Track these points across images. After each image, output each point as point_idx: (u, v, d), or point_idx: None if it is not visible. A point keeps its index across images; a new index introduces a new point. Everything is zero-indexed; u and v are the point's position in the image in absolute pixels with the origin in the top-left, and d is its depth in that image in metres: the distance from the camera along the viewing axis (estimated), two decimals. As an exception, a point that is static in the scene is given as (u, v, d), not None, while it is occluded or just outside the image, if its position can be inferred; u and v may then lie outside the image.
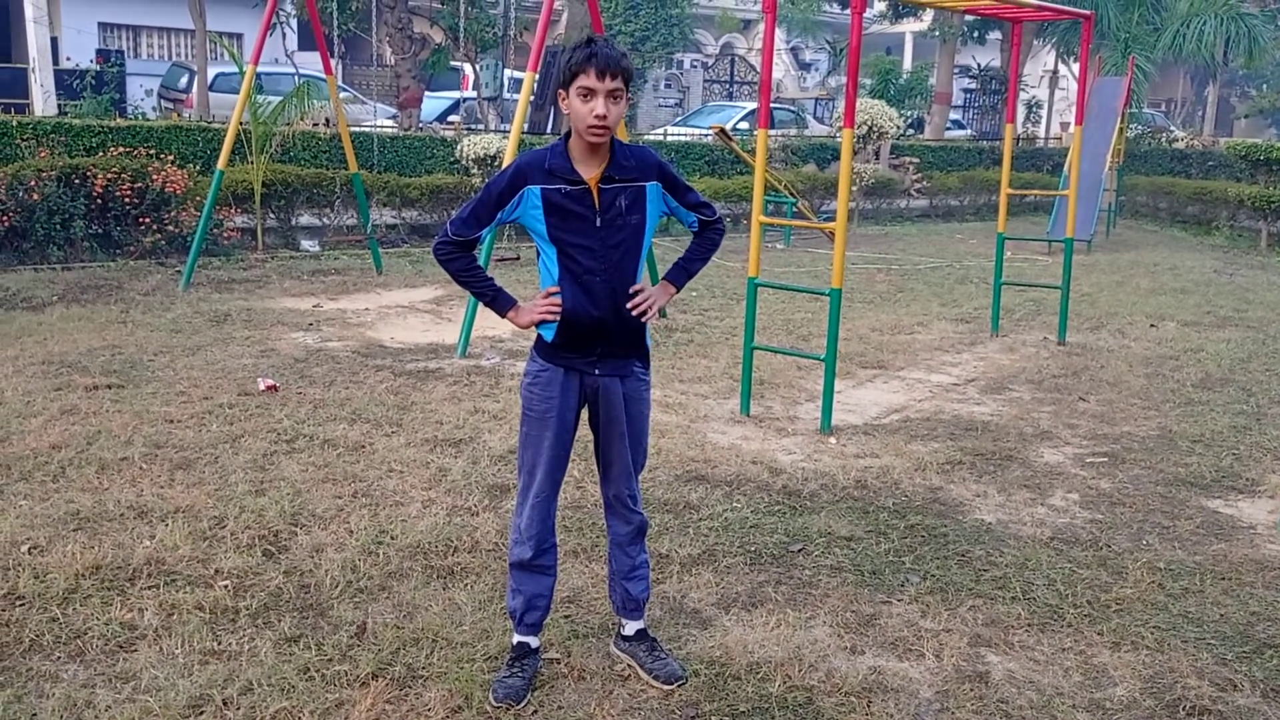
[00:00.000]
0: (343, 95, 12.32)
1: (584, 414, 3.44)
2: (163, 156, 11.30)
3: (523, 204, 3.25)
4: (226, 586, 3.97)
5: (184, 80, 21.30)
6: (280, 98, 11.96)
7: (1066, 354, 8.59)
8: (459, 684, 3.38)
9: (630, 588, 3.55)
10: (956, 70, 26.94)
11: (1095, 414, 6.86)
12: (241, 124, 10.37)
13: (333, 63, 10.99)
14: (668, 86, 29.70)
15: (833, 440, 6.09)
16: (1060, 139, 25.51)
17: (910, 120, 24.33)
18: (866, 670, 3.59)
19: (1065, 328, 9.04)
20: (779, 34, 33.58)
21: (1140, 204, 19.97)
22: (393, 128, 16.45)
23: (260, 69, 10.48)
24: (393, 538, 4.45)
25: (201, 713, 3.21)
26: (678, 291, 3.55)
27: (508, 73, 22.43)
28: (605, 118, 3.11)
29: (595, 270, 3.23)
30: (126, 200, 10.67)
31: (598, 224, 3.22)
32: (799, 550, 4.54)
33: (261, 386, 6.54)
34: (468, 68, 21.01)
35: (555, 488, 3.43)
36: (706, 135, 17.93)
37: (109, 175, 10.52)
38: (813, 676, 3.54)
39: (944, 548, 4.64)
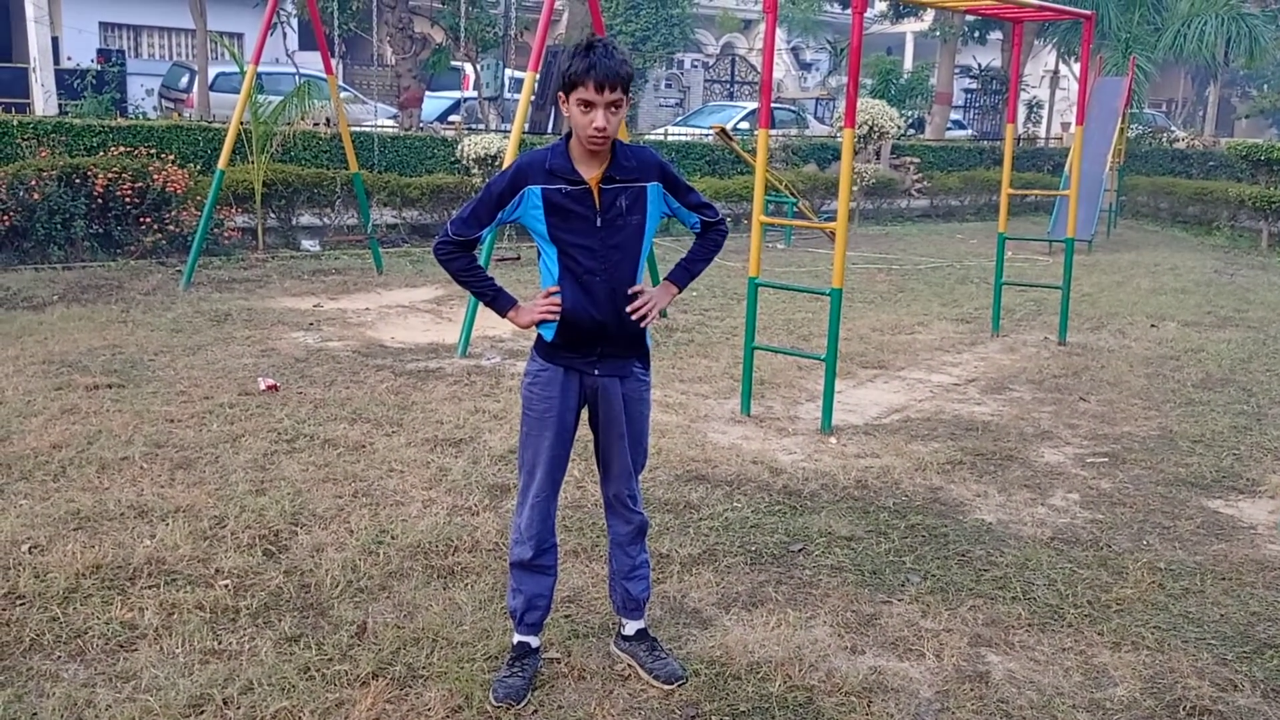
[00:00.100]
0: (343, 95, 12.32)
1: (584, 414, 3.44)
2: (163, 156, 11.31)
3: (523, 204, 3.25)
4: (227, 586, 3.97)
5: (185, 80, 21.30)
6: (281, 97, 11.95)
7: (1067, 354, 8.59)
8: (459, 684, 3.38)
9: (630, 587, 3.55)
10: (957, 70, 26.94)
11: (1096, 414, 6.86)
12: (242, 124, 10.37)
13: (333, 62, 11.00)
14: (668, 86, 29.72)
15: (833, 440, 6.09)
16: (1061, 139, 25.51)
17: (911, 120, 24.32)
18: (867, 670, 3.59)
19: (1066, 328, 9.04)
20: (780, 34, 33.55)
21: (1141, 204, 19.97)
22: (393, 127, 16.46)
23: (261, 69, 10.48)
24: (393, 537, 4.45)
25: (202, 712, 3.21)
26: (680, 292, 3.54)
27: (508, 72, 22.44)
28: (604, 129, 3.11)
29: (595, 270, 3.23)
30: (127, 200, 10.67)
31: (598, 224, 3.22)
32: (799, 550, 4.53)
33: (262, 386, 6.54)
34: (468, 67, 21.01)
35: (555, 487, 3.43)
36: (707, 135, 17.93)
37: (110, 175, 10.53)
38: (813, 676, 3.54)
39: (944, 548, 4.64)
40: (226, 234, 11.58)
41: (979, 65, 28.61)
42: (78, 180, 10.42)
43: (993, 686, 3.53)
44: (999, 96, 27.25)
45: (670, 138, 18.85)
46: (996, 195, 15.71)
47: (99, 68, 19.91)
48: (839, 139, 16.93)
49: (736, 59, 33.23)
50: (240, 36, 25.17)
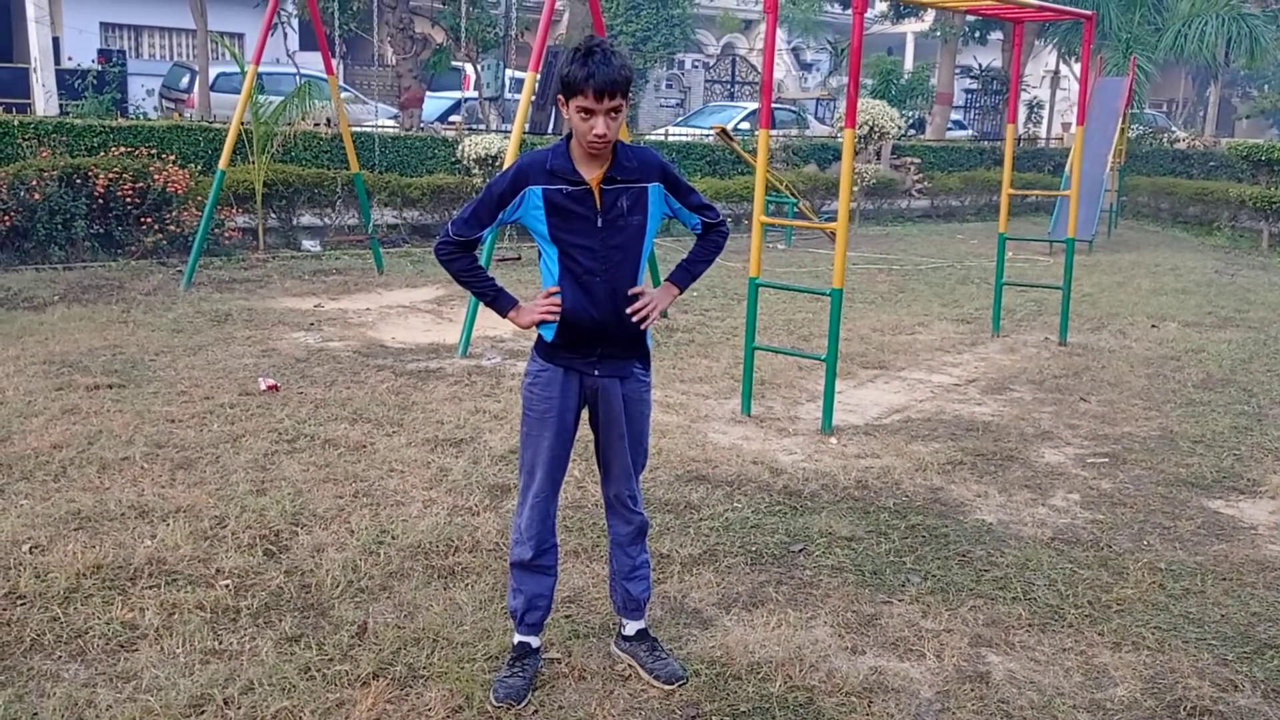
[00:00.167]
0: (344, 95, 12.32)
1: (585, 414, 3.44)
2: (164, 156, 11.32)
3: (524, 204, 3.25)
4: (227, 586, 3.97)
5: (185, 80, 21.30)
6: (282, 98, 11.96)
7: (1067, 354, 8.59)
8: (460, 684, 3.38)
9: (631, 588, 3.55)
10: (958, 70, 26.93)
11: (1096, 414, 6.86)
12: (243, 124, 10.38)
13: (334, 63, 11.00)
14: (669, 86, 29.71)
15: (833, 440, 6.09)
16: (1061, 139, 25.50)
17: (911, 120, 24.33)
18: (867, 670, 3.59)
19: (1066, 328, 9.04)
20: (780, 34, 33.56)
21: (1141, 204, 19.96)
22: (394, 128, 16.46)
23: (261, 69, 10.48)
24: (394, 537, 4.45)
25: (202, 712, 3.21)
26: (681, 293, 3.55)
27: (509, 73, 22.44)
28: (605, 136, 3.12)
29: (595, 271, 3.23)
30: (128, 200, 10.68)
31: (599, 224, 3.22)
32: (800, 550, 4.54)
33: (263, 386, 6.55)
34: (469, 68, 21.01)
35: (555, 488, 3.43)
36: (708, 135, 17.94)
37: (110, 175, 10.53)
38: (813, 676, 3.54)
39: (945, 548, 4.64)
40: (227, 234, 11.58)
41: (979, 65, 28.61)
42: (79, 180, 10.43)
43: (993, 687, 3.53)
44: (999, 97, 27.24)
45: (671, 138, 18.85)
46: (997, 195, 15.71)
47: (100, 68, 19.91)
48: (839, 139, 16.94)
49: (737, 59, 33.23)
50: (241, 37, 25.16)
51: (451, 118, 20.76)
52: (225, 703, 3.25)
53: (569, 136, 3.24)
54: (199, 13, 17.47)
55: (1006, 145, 9.38)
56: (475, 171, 13.71)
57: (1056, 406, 7.02)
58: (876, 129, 17.35)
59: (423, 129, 16.88)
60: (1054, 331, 9.23)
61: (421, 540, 4.42)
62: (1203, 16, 21.55)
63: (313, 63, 16.95)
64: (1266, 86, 35.23)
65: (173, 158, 11.43)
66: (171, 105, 20.97)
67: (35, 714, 3.18)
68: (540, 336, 3.36)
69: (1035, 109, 28.30)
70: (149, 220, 10.84)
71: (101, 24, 25.75)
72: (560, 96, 3.19)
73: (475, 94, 20.42)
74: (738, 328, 8.51)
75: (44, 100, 20.28)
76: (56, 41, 22.88)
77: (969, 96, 30.81)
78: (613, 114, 3.11)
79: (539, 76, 10.22)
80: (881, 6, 29.68)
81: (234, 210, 11.79)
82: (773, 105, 8.46)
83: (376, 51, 26.56)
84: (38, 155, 10.75)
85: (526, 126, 10.72)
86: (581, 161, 3.22)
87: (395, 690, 3.36)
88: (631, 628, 3.58)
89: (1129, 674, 3.63)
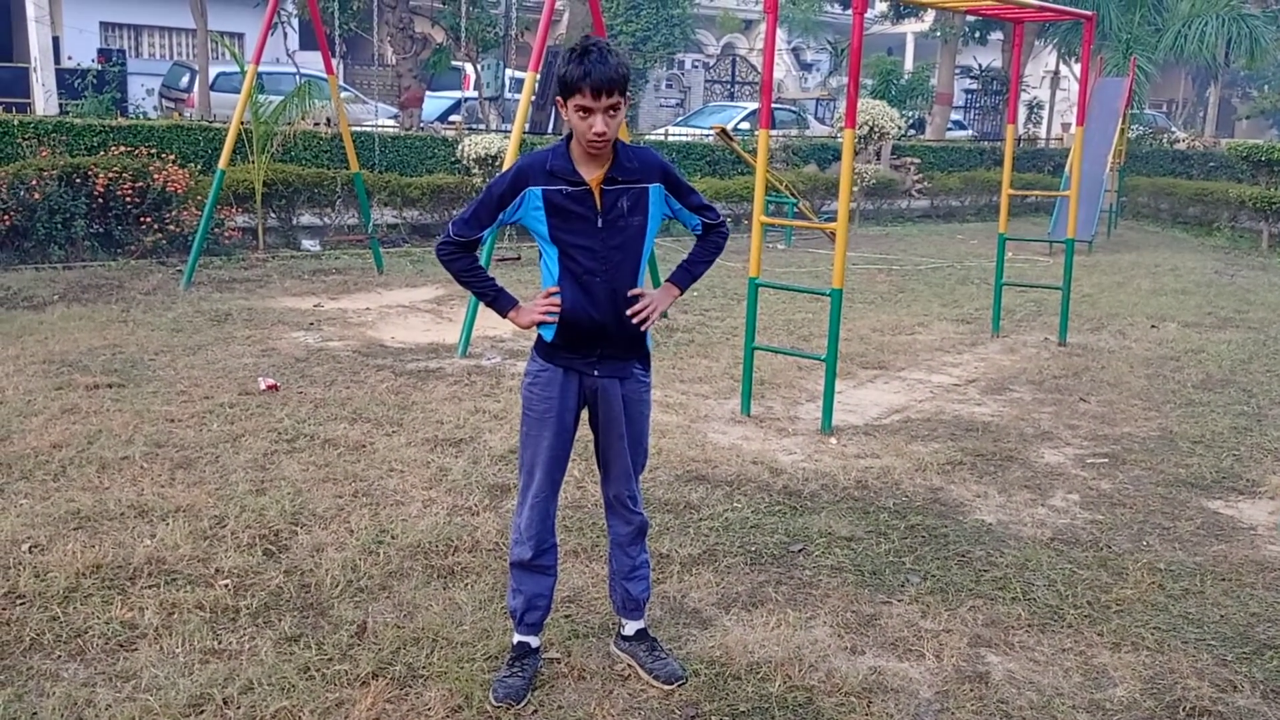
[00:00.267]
0: (344, 95, 12.32)
1: (585, 414, 3.44)
2: (164, 156, 11.32)
3: (524, 205, 3.25)
4: (227, 586, 3.97)
5: (185, 80, 21.30)
6: (281, 97, 11.96)
7: (1067, 355, 8.59)
8: (459, 683, 3.38)
9: (630, 588, 3.55)
10: (958, 71, 26.93)
11: (1096, 415, 6.86)
12: (243, 123, 10.38)
13: (334, 62, 11.00)
14: (669, 86, 29.71)
15: (833, 440, 6.09)
16: (1061, 140, 25.50)
17: (911, 121, 24.32)
18: (867, 670, 3.59)
19: (1066, 328, 9.04)
20: (780, 34, 33.55)
21: (1141, 205, 19.97)
22: (394, 127, 16.46)
23: (261, 68, 10.48)
24: (393, 537, 4.45)
25: (202, 712, 3.21)
26: (681, 294, 3.55)
27: (509, 73, 22.44)
28: (604, 134, 3.12)
29: (595, 271, 3.23)
30: (128, 200, 10.68)
31: (599, 225, 3.22)
32: (799, 550, 4.54)
33: (262, 386, 6.55)
34: (469, 68, 21.01)
35: (555, 488, 3.43)
36: (708, 135, 17.94)
37: (110, 175, 10.53)
38: (813, 676, 3.54)
39: (944, 548, 4.64)
40: (227, 234, 11.58)
41: (979, 66, 28.61)
42: (78, 180, 10.43)
43: (992, 687, 3.54)
44: (999, 97, 27.24)
45: (671, 138, 18.85)
46: (997, 196, 15.70)
47: (100, 67, 19.90)
48: (839, 139, 16.94)
49: (737, 59, 33.22)
50: (241, 36, 25.16)
51: (451, 117, 20.77)
52: (225, 702, 3.25)
53: (569, 137, 3.24)
54: (199, 12, 17.47)
55: (1006, 145, 9.38)
56: (475, 171, 13.71)
57: (1056, 407, 7.02)
58: (876, 129, 17.36)
59: (423, 129, 16.88)
60: (1054, 332, 9.24)
61: (421, 540, 4.42)
62: (1203, 17, 21.55)
63: (313, 62, 16.94)
64: (1266, 87, 35.24)
65: (172, 157, 11.44)
66: (171, 105, 20.97)
67: (35, 713, 3.18)
68: (540, 337, 3.36)
69: (1035, 109, 28.30)
70: (149, 220, 10.84)
71: (101, 23, 25.74)
72: (559, 97, 3.19)
73: (475, 94, 20.42)
74: (737, 328, 8.51)
75: (44, 100, 20.29)
76: (56, 41, 22.88)
77: (969, 97, 30.82)
78: (611, 112, 3.11)
79: (539, 76, 10.22)
80: (882, 7, 29.68)
81: (234, 210, 11.79)
82: (773, 105, 8.46)
83: (376, 51, 26.57)
84: (37, 155, 10.75)
85: (526, 126, 10.71)
86: (582, 162, 3.22)
87: (395, 690, 3.36)
88: (631, 628, 3.58)
89: (1128, 674, 3.63)
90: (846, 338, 8.19)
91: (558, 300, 3.27)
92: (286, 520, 4.57)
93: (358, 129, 13.67)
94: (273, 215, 12.46)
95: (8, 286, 9.24)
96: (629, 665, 3.53)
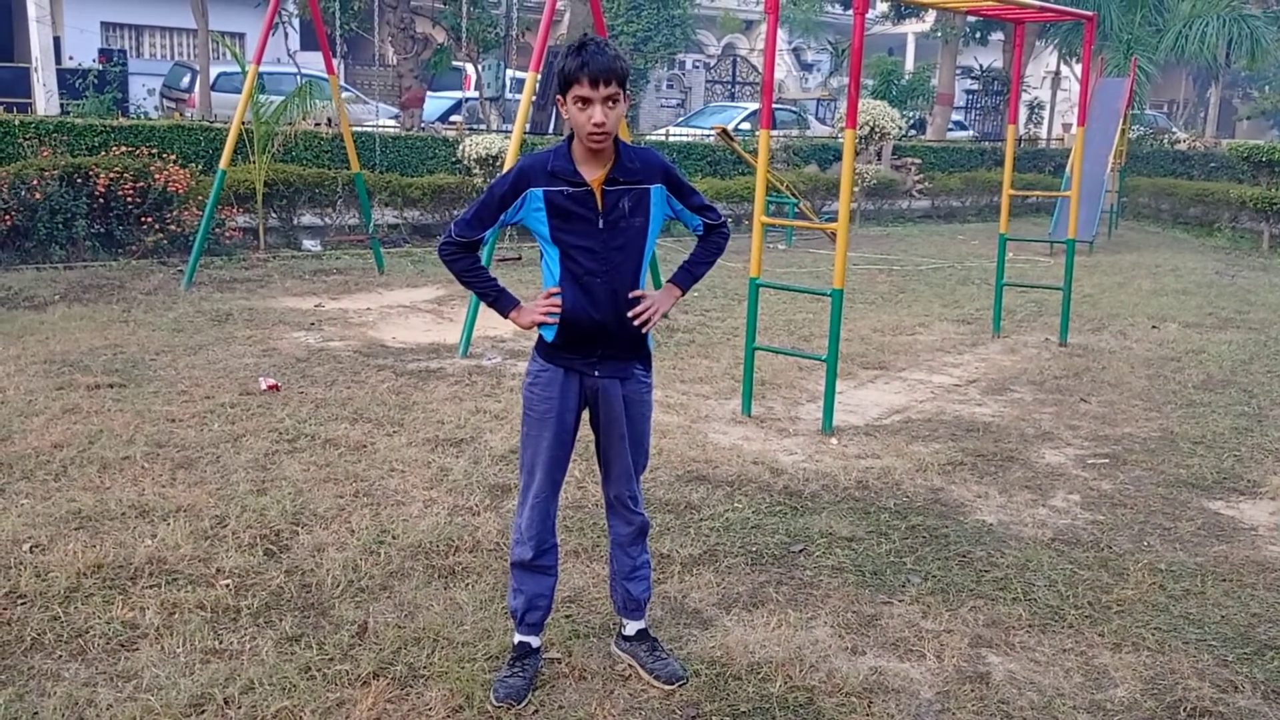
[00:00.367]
0: (345, 95, 12.32)
1: (586, 415, 3.44)
2: (165, 156, 11.32)
3: (525, 206, 3.25)
4: (228, 585, 3.97)
5: (186, 80, 21.30)
6: (282, 97, 11.96)
7: (1068, 355, 8.59)
8: (460, 683, 3.39)
9: (631, 588, 3.55)
10: (958, 71, 26.92)
11: (1097, 415, 6.86)
12: (244, 123, 10.38)
13: (335, 62, 11.00)
14: (670, 87, 29.72)
15: (834, 441, 6.09)
16: (1062, 140, 25.49)
17: (912, 121, 24.32)
18: (867, 671, 3.59)
19: (1067, 329, 9.04)
20: (781, 35, 33.51)
21: (1142, 205, 19.96)
22: (395, 128, 16.46)
23: (262, 69, 10.49)
24: (394, 537, 4.45)
25: (203, 711, 3.21)
26: (683, 295, 3.55)
27: (510, 73, 22.44)
28: (603, 125, 3.11)
29: (596, 272, 3.23)
30: (129, 200, 10.68)
31: (600, 225, 3.22)
32: (800, 551, 4.54)
33: (263, 386, 6.55)
34: (470, 68, 21.01)
35: (555, 488, 3.43)
36: (708, 136, 17.94)
37: (111, 175, 10.53)
38: (814, 677, 3.54)
39: (945, 548, 4.64)
40: (228, 234, 11.59)
41: (980, 66, 28.61)
42: (79, 180, 10.43)
43: (993, 687, 3.54)
44: (1000, 97, 27.24)
45: (671, 138, 18.86)
46: (998, 196, 15.71)
47: (101, 67, 19.89)
48: (840, 140, 16.92)
49: (738, 60, 33.23)
50: (242, 36, 25.17)
51: (452, 118, 20.77)
52: (225, 702, 3.25)
53: (570, 138, 3.24)
54: (200, 12, 17.47)
55: (1007, 146, 9.38)
56: (476, 171, 13.71)
57: (1057, 407, 7.02)
58: (877, 129, 17.35)
59: (423, 129, 16.88)
60: (1054, 332, 9.23)
61: (422, 540, 4.42)
62: (1204, 18, 21.54)
63: (313, 62, 16.97)
64: (1267, 87, 35.23)
65: (173, 157, 11.44)
66: (172, 105, 20.98)
67: (36, 713, 3.18)
68: (541, 337, 3.37)
69: (1036, 110, 28.29)
70: (150, 220, 10.84)
71: (102, 23, 25.75)
72: (559, 96, 3.19)
73: (476, 94, 20.42)
74: (738, 328, 8.51)
75: (45, 100, 20.30)
76: (57, 41, 22.88)
77: (970, 97, 30.81)
78: (610, 103, 3.11)
79: (540, 77, 10.22)
80: (882, 7, 29.68)
81: (235, 210, 11.80)
82: (773, 106, 8.47)
83: (377, 51, 26.57)
84: (39, 155, 10.76)
85: (527, 127, 10.71)
86: (583, 162, 3.22)
87: (395, 690, 3.36)
88: (632, 628, 3.58)
89: (1129, 675, 3.63)
90: (847, 338, 8.19)
91: (558, 301, 3.27)
92: (287, 520, 4.57)
93: (359, 129, 13.68)
94: (274, 215, 12.47)
95: (9, 286, 9.24)
96: (630, 665, 3.53)
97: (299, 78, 13.62)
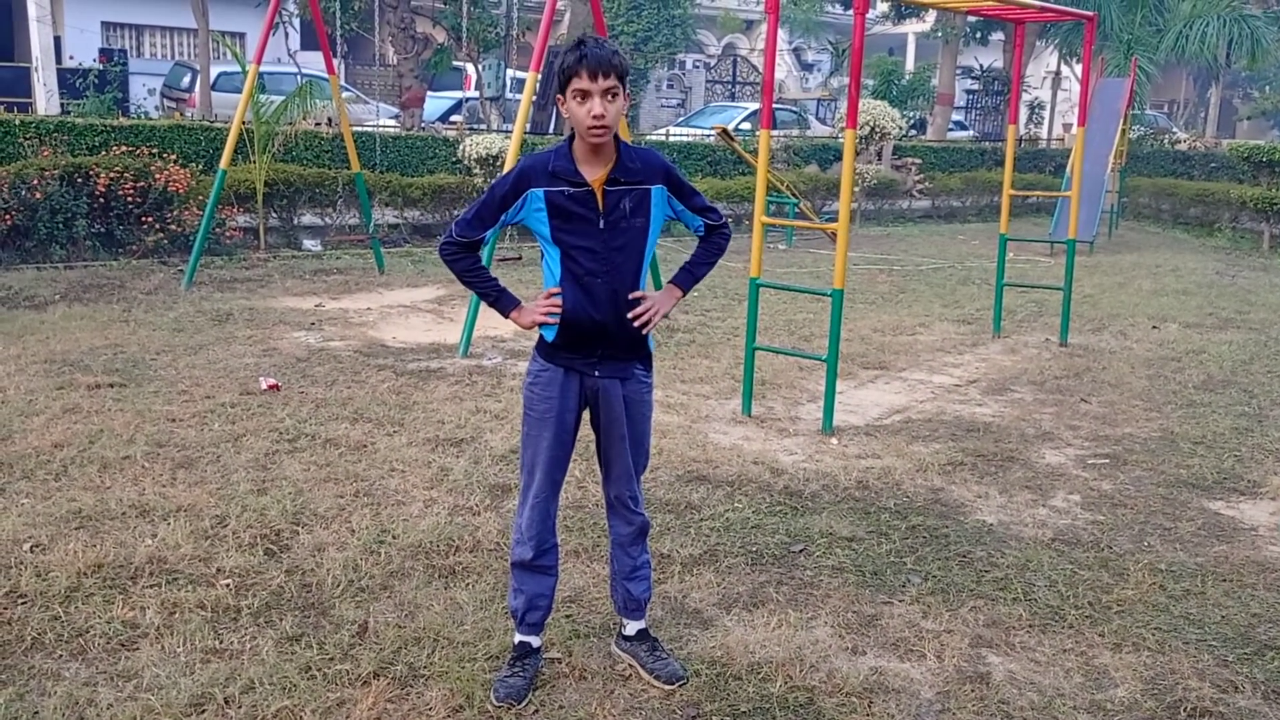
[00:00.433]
0: (345, 95, 12.33)
1: (587, 415, 3.45)
2: (165, 156, 11.33)
3: (526, 206, 3.25)
4: (228, 585, 3.97)
5: (187, 79, 21.31)
6: (283, 97, 11.97)
7: (1068, 355, 8.59)
8: (460, 683, 3.39)
9: (632, 588, 3.55)
10: (959, 71, 26.92)
11: (1097, 415, 6.86)
12: (244, 123, 10.38)
13: (335, 62, 11.01)
14: (670, 87, 29.72)
15: (834, 441, 6.09)
16: (1063, 140, 25.49)
17: (912, 121, 24.31)
18: (868, 671, 3.59)
19: (1067, 329, 9.04)
20: (781, 34, 33.48)
21: (1142, 205, 19.96)
22: (395, 127, 16.47)
23: (263, 68, 10.48)
24: (394, 537, 4.45)
25: (203, 711, 3.21)
26: (684, 296, 3.55)
27: (510, 73, 22.44)
28: (603, 117, 3.11)
29: (597, 272, 3.23)
30: (129, 199, 10.68)
31: (601, 226, 3.22)
32: (800, 551, 4.54)
33: (263, 386, 6.55)
34: (470, 68, 21.01)
35: (555, 488, 3.43)
36: (709, 136, 17.94)
37: (112, 174, 10.54)
38: (814, 677, 3.54)
39: (945, 548, 4.64)
40: (228, 234, 11.59)
41: (981, 66, 28.61)
42: (80, 180, 10.43)
43: (993, 687, 3.54)
44: (1001, 97, 27.24)
45: (672, 138, 18.86)
46: (998, 196, 15.69)
47: (101, 67, 19.90)
48: (840, 140, 16.94)
49: (738, 59, 33.23)
50: (242, 36, 25.17)
51: (453, 118, 20.78)
52: (226, 702, 3.25)
53: (571, 138, 3.24)
54: (200, 12, 17.47)
55: (1008, 146, 9.38)
56: (476, 171, 13.71)
57: (1057, 407, 7.02)
58: (877, 129, 17.34)
59: (424, 129, 16.88)
60: (1055, 332, 9.23)
61: (422, 540, 4.42)
62: (1204, 18, 21.54)
63: (314, 62, 16.95)
64: (1268, 88, 35.23)
65: (174, 157, 11.45)
66: (173, 104, 20.98)
67: (36, 713, 3.18)
68: (541, 337, 3.37)
69: (1036, 110, 28.29)
70: (150, 219, 10.84)
71: (103, 23, 25.76)
72: (559, 96, 3.19)
73: (476, 94, 20.42)
74: (738, 328, 8.51)
75: (45, 99, 20.30)
76: (58, 41, 22.88)
77: (970, 97, 30.81)
78: (609, 96, 3.11)
79: (540, 76, 10.22)
80: (883, 7, 29.67)
81: (235, 210, 11.80)
82: (774, 106, 8.47)
83: (378, 51, 26.57)
84: (39, 154, 10.76)
85: (527, 127, 10.71)
86: (584, 162, 3.22)
87: (396, 689, 3.36)
88: (632, 628, 3.58)
89: (1129, 675, 3.63)
90: (847, 338, 8.20)
91: (559, 301, 3.27)
92: (288, 520, 4.57)
93: (359, 129, 13.68)
94: (274, 215, 12.47)
95: (9, 286, 9.24)
96: (630, 665, 3.53)
97: (299, 77, 13.60)
